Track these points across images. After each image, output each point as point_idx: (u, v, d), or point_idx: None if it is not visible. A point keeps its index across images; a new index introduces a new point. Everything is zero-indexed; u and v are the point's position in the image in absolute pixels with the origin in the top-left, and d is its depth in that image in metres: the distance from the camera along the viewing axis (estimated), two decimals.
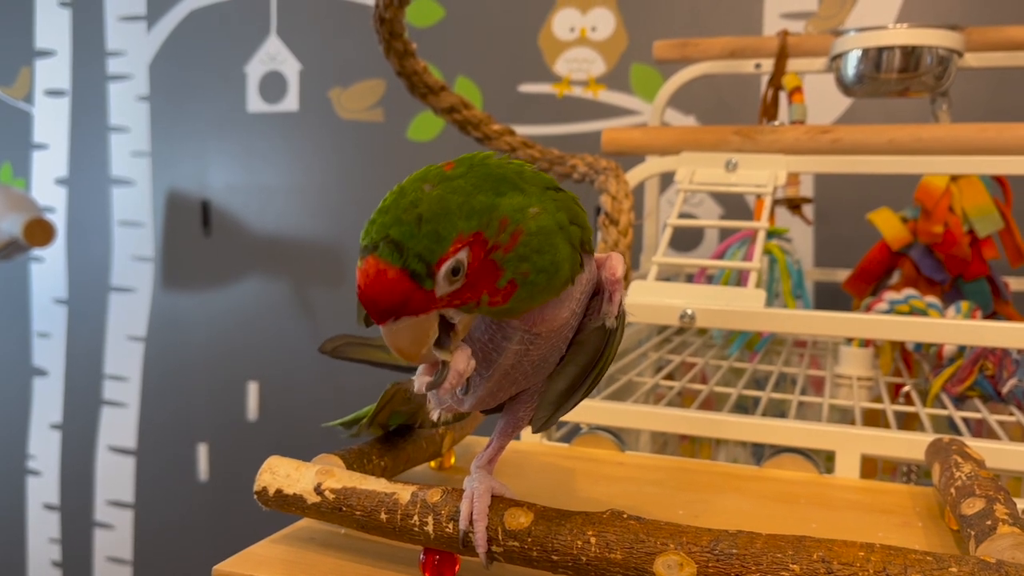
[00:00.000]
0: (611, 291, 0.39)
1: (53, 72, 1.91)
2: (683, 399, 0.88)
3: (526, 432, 0.64)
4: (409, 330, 0.32)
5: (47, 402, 1.98)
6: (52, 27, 1.91)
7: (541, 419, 0.42)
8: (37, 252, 1.93)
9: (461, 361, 0.35)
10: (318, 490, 0.41)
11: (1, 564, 2.05)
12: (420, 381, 0.37)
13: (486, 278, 0.32)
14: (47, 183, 1.94)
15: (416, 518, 0.38)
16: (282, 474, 0.42)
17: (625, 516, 0.37)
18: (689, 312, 0.60)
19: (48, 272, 1.96)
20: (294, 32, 1.73)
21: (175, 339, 1.86)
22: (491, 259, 0.32)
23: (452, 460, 0.56)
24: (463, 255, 0.32)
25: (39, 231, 1.54)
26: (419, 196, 0.32)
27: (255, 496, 0.42)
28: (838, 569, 0.33)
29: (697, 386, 0.79)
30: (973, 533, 0.39)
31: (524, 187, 0.34)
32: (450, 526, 0.38)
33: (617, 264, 0.38)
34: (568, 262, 0.35)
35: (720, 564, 0.34)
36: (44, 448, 1.99)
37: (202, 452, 1.85)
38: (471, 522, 0.37)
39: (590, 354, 0.40)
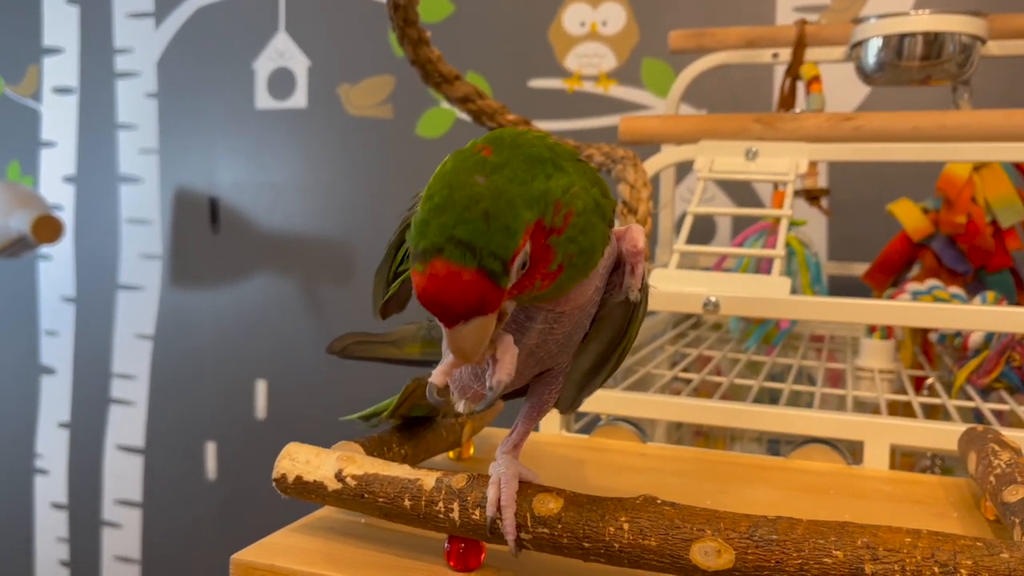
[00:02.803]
0: (633, 263, 0.37)
1: (61, 70, 1.91)
2: (700, 393, 0.86)
3: (546, 423, 0.63)
4: (477, 330, 0.30)
5: (55, 400, 1.98)
6: (60, 25, 1.90)
7: (568, 400, 0.41)
8: (45, 250, 1.92)
9: (507, 366, 0.33)
10: (339, 476, 0.40)
11: (9, 563, 2.05)
12: (466, 406, 0.36)
13: (543, 263, 0.31)
14: (55, 181, 1.93)
15: (441, 504, 0.37)
16: (302, 460, 0.41)
17: (659, 502, 0.35)
18: (713, 300, 0.58)
19: (56, 270, 1.95)
20: (302, 28, 1.72)
21: (183, 337, 1.86)
22: (548, 243, 0.31)
23: (471, 450, 0.55)
24: (528, 246, 0.30)
25: (47, 228, 1.53)
26: (476, 190, 0.29)
27: (273, 483, 0.41)
28: (884, 555, 0.32)
29: (716, 378, 0.78)
30: (1017, 520, 0.38)
31: (563, 164, 0.33)
32: (477, 513, 0.36)
33: (638, 235, 0.37)
34: (602, 242, 0.34)
35: (760, 551, 0.33)
36: (52, 447, 1.99)
37: (210, 450, 1.84)
38: (499, 508, 0.36)
39: (614, 330, 0.39)
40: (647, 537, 0.34)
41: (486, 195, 0.29)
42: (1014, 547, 0.32)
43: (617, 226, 0.76)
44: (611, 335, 0.39)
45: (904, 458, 0.89)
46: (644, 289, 0.38)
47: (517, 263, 0.30)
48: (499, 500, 0.36)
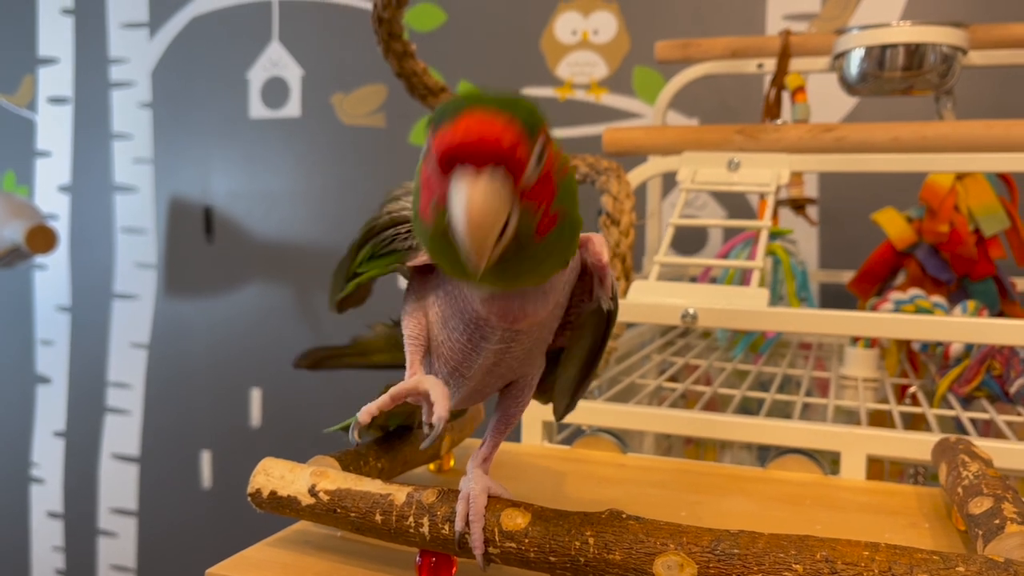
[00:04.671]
0: (600, 276, 0.38)
1: (56, 80, 1.92)
2: (687, 401, 0.87)
3: (528, 434, 0.64)
4: (500, 195, 0.29)
5: (50, 410, 1.98)
6: (55, 35, 1.91)
7: (560, 408, 0.42)
8: (40, 259, 1.93)
9: (441, 406, 0.35)
10: (312, 492, 0.40)
11: (6, 572, 2.05)
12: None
13: (549, 188, 0.31)
14: (50, 190, 1.94)
15: (412, 519, 0.38)
16: (276, 476, 0.41)
17: (624, 516, 0.36)
18: (691, 312, 0.59)
19: (51, 279, 1.96)
20: (296, 38, 1.73)
21: (178, 346, 1.86)
22: (553, 172, 0.31)
23: (451, 463, 0.55)
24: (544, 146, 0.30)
25: (41, 238, 1.54)
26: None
27: (248, 498, 0.41)
28: (842, 569, 0.32)
29: (701, 388, 0.78)
30: (981, 532, 0.38)
31: None
32: (446, 527, 0.37)
33: (601, 248, 0.37)
34: (577, 236, 0.34)
35: (721, 564, 0.33)
36: (47, 456, 1.99)
37: (205, 459, 1.85)
38: (467, 523, 0.36)
39: (592, 337, 0.40)
40: (612, 551, 0.35)
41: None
42: (970, 561, 0.32)
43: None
44: (591, 342, 0.40)
45: (893, 466, 0.89)
46: (614, 297, 0.39)
47: (539, 144, 0.30)
48: (468, 515, 0.36)
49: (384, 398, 0.36)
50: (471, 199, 0.28)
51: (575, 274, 0.38)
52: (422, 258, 0.37)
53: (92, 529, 1.96)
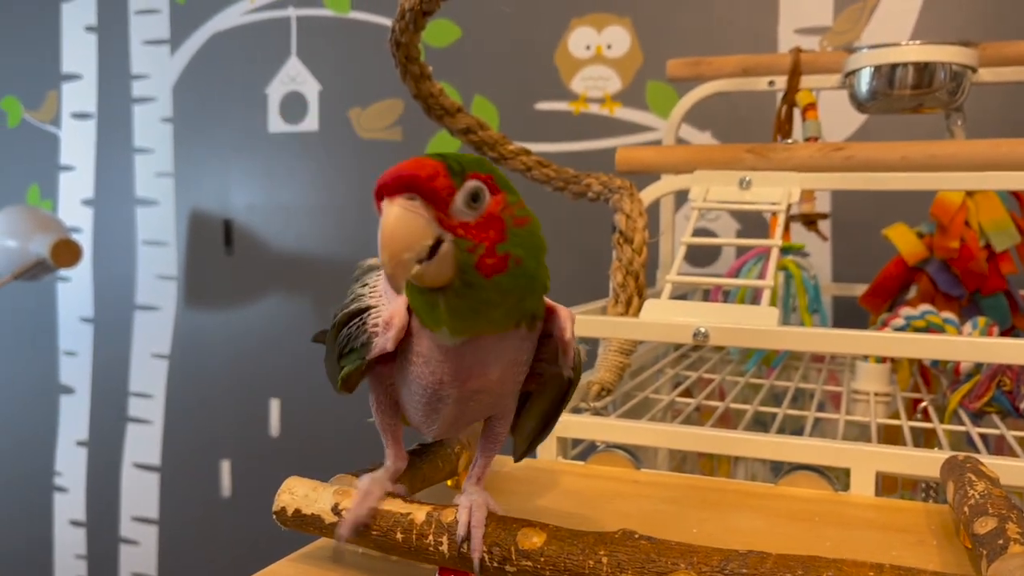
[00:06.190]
0: (563, 348, 0.40)
1: (79, 95, 1.95)
2: (700, 415, 0.88)
3: (542, 450, 0.65)
4: (414, 218, 0.32)
5: (73, 419, 2.01)
6: (78, 52, 1.95)
7: (519, 451, 0.45)
8: (64, 272, 1.96)
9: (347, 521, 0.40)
10: (335, 510, 0.42)
11: None
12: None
13: (494, 229, 0.34)
14: (74, 204, 1.98)
15: (431, 538, 0.39)
16: (300, 495, 0.43)
17: (637, 536, 0.37)
18: (702, 330, 0.60)
19: (74, 291, 1.99)
20: (313, 54, 1.75)
21: (198, 357, 1.89)
22: (503, 218, 0.34)
23: None
24: (486, 190, 0.34)
25: (66, 252, 1.57)
26: None
27: (274, 516, 0.43)
28: None
29: (714, 402, 0.79)
30: (985, 552, 0.39)
31: None
32: (464, 545, 0.38)
33: (566, 322, 0.39)
34: (539, 294, 0.37)
35: None
36: (70, 465, 2.02)
37: (225, 468, 1.87)
38: (469, 530, 0.38)
39: (553, 396, 0.42)
40: (624, 570, 0.36)
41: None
42: None
43: (614, 256, 0.77)
44: (551, 400, 0.42)
45: (906, 479, 0.90)
46: (577, 364, 0.41)
47: (470, 186, 0.33)
48: (469, 523, 0.38)
49: (348, 520, 0.41)
50: (384, 219, 0.32)
51: (536, 336, 0.39)
52: (378, 349, 0.39)
53: (114, 537, 1.98)
